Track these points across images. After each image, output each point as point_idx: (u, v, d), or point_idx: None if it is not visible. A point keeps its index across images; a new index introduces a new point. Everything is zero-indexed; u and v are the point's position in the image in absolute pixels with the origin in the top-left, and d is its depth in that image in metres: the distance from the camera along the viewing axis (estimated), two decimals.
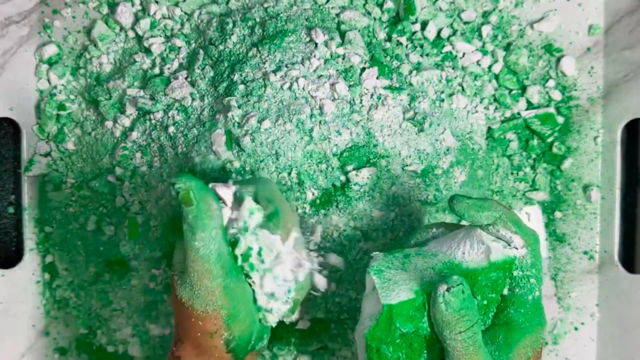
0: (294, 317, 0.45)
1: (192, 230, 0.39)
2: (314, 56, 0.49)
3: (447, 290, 0.36)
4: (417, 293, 0.38)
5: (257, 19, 0.51)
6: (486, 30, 0.53)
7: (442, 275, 0.38)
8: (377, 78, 0.49)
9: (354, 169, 0.48)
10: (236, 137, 0.47)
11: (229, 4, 0.53)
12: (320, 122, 0.47)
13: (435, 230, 0.43)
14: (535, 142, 0.54)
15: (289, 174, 0.47)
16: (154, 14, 0.53)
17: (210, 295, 0.39)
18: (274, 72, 0.48)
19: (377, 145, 0.48)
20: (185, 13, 0.54)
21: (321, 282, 0.45)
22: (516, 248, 0.39)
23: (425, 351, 0.39)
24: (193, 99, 0.50)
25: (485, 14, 0.54)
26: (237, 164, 0.48)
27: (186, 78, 0.51)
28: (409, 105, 0.50)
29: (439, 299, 0.36)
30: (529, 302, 0.39)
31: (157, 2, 0.53)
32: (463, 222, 0.45)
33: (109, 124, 0.53)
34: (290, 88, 0.48)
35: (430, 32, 0.52)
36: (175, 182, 0.39)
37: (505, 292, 0.40)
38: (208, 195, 0.40)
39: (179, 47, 0.53)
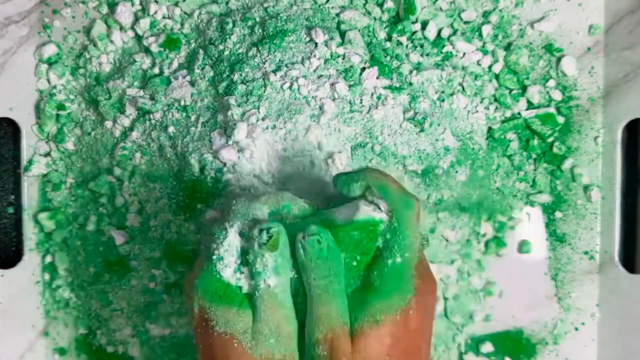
0: None
1: (270, 277, 0.39)
2: (314, 56, 0.49)
3: (303, 238, 0.38)
4: None
5: (257, 19, 0.51)
6: (486, 30, 0.53)
7: (305, 225, 0.40)
8: (377, 78, 0.49)
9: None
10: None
11: (229, 4, 0.53)
12: (320, 122, 0.47)
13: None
14: (535, 142, 0.54)
15: None
16: (154, 13, 0.53)
17: (288, 339, 0.39)
18: (274, 72, 0.48)
19: (377, 145, 0.48)
20: (185, 13, 0.54)
21: None
22: (381, 215, 0.40)
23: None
24: (193, 99, 0.50)
25: (486, 14, 0.54)
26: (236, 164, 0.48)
27: (186, 78, 0.51)
28: (409, 105, 0.49)
29: (297, 245, 0.38)
30: (387, 267, 0.39)
31: (157, 2, 0.53)
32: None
33: (108, 124, 0.53)
34: (290, 88, 0.48)
35: (431, 32, 0.52)
36: (270, 226, 0.39)
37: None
38: (287, 241, 0.40)
39: (179, 47, 0.53)
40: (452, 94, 0.52)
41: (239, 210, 0.41)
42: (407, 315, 0.38)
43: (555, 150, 0.54)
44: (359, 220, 0.40)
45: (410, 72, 0.51)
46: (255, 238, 0.39)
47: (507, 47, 0.53)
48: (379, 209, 0.40)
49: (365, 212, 0.40)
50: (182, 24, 0.54)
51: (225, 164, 0.48)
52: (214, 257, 0.40)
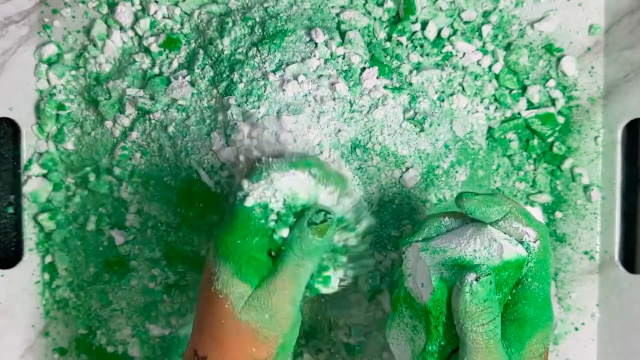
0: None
1: (304, 258, 0.38)
2: (314, 56, 0.49)
3: (476, 279, 0.35)
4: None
5: (257, 19, 0.51)
6: (486, 30, 0.53)
7: (471, 265, 0.37)
8: (377, 78, 0.49)
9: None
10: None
11: (229, 4, 0.53)
12: (320, 122, 0.47)
13: (447, 220, 0.41)
14: (535, 142, 0.54)
15: None
16: (154, 13, 0.53)
17: (283, 320, 0.39)
18: (274, 71, 0.48)
19: (377, 145, 0.48)
20: (185, 13, 0.54)
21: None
22: (529, 242, 0.39)
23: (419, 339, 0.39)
24: (193, 99, 0.50)
25: (486, 14, 0.53)
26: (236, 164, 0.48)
27: (186, 78, 0.51)
28: (409, 105, 0.49)
29: (465, 289, 0.35)
30: (540, 297, 0.38)
31: (157, 2, 0.53)
32: None
33: (108, 124, 0.53)
34: (290, 88, 0.48)
35: (431, 32, 0.52)
36: (329, 211, 0.39)
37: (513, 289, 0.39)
38: (332, 236, 0.40)
39: (179, 47, 0.53)
40: (452, 94, 0.52)
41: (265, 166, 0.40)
42: (550, 340, 0.38)
43: (555, 150, 0.54)
44: (510, 260, 0.38)
45: (410, 72, 0.51)
46: (310, 215, 0.39)
47: (507, 47, 0.53)
48: (519, 240, 0.39)
49: (512, 249, 0.38)
50: (182, 24, 0.54)
51: (225, 164, 0.48)
52: (254, 202, 0.39)
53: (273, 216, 0.40)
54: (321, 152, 0.47)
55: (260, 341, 0.39)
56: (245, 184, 0.40)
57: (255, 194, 0.40)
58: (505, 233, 0.39)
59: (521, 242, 0.39)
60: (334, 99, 0.48)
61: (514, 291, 0.39)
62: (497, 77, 0.53)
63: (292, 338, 0.41)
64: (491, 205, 0.38)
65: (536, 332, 0.37)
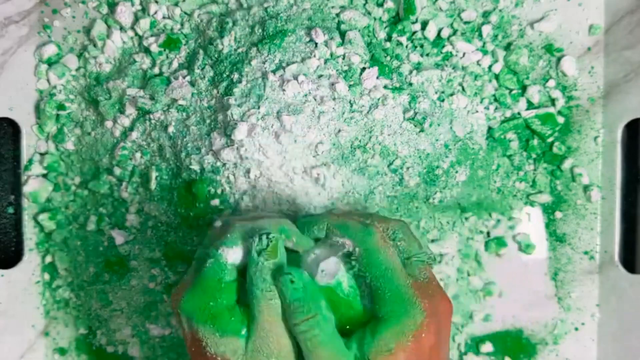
0: None
1: (271, 288, 0.38)
2: (314, 56, 0.48)
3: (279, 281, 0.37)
4: None
5: (257, 19, 0.51)
6: (486, 30, 0.53)
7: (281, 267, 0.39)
8: (377, 78, 0.49)
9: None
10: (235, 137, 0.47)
11: (229, 4, 0.53)
12: (320, 122, 0.47)
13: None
14: (535, 142, 0.54)
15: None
16: (154, 13, 0.53)
17: (289, 354, 0.39)
18: (274, 71, 0.48)
19: (377, 145, 0.48)
20: (185, 13, 0.54)
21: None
22: (350, 251, 0.40)
23: None
24: (193, 99, 0.50)
25: (486, 14, 0.53)
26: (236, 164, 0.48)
27: (186, 78, 0.51)
28: (409, 105, 0.49)
29: (280, 286, 0.38)
30: (387, 295, 0.38)
31: (157, 2, 0.53)
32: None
33: (108, 124, 0.53)
34: (290, 88, 0.48)
35: (430, 32, 0.52)
36: (268, 232, 0.39)
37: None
38: (285, 253, 0.40)
39: (179, 47, 0.53)
40: (452, 94, 0.52)
41: (238, 228, 0.41)
42: (419, 338, 0.38)
43: (555, 150, 0.54)
44: (337, 283, 0.40)
45: (410, 72, 0.51)
46: (255, 244, 0.38)
47: (507, 47, 0.53)
48: (344, 248, 0.40)
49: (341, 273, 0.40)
50: (182, 24, 0.54)
51: (225, 164, 0.48)
52: (208, 271, 0.39)
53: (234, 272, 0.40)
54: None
55: None
56: (218, 248, 0.40)
57: (225, 257, 0.40)
58: (332, 247, 0.41)
59: (348, 253, 0.40)
60: (334, 99, 0.48)
61: (370, 289, 0.40)
62: (497, 77, 0.53)
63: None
64: (313, 225, 0.41)
65: (386, 328, 0.38)
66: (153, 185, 0.51)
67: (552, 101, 0.53)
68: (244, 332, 0.39)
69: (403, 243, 0.42)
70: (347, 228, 0.41)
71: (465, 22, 0.53)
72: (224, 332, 0.38)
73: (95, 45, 0.54)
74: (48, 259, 0.55)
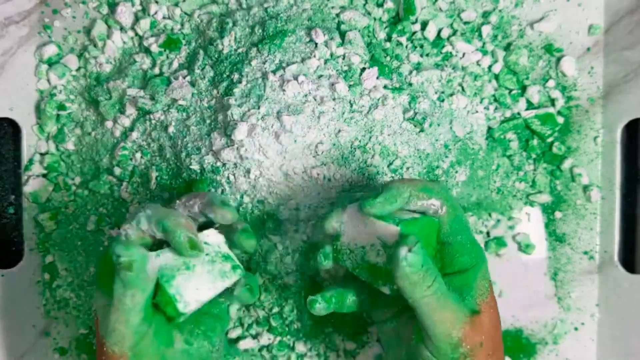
0: None
1: (125, 288, 0.39)
2: (314, 56, 0.49)
3: (409, 250, 0.37)
4: None
5: (257, 19, 0.51)
6: (486, 30, 0.53)
7: (400, 237, 0.39)
8: (377, 78, 0.49)
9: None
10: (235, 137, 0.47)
11: (229, 4, 0.53)
12: (320, 122, 0.47)
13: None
14: (535, 142, 0.54)
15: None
16: (154, 14, 0.53)
17: (121, 339, 0.41)
18: (274, 72, 0.48)
19: (377, 145, 0.48)
20: (185, 13, 0.54)
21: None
22: (437, 210, 0.42)
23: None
24: (193, 99, 0.51)
25: (485, 14, 0.54)
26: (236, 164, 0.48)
27: (186, 78, 0.51)
28: (409, 105, 0.49)
29: (402, 263, 0.37)
30: (467, 245, 0.42)
31: (157, 2, 0.53)
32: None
33: (109, 124, 0.53)
34: (290, 88, 0.48)
35: (430, 32, 0.52)
36: (116, 252, 0.39)
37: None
38: (146, 266, 0.40)
39: (179, 47, 0.53)
40: (452, 94, 0.52)
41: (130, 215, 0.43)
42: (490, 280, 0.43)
43: (554, 150, 0.54)
44: (421, 218, 0.41)
45: (410, 72, 0.51)
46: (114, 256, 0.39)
47: (507, 47, 0.53)
48: (427, 213, 0.42)
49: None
50: (182, 24, 0.54)
51: (225, 164, 0.48)
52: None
53: None
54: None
55: (108, 353, 0.41)
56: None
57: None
58: (415, 212, 0.42)
59: (434, 213, 0.42)
60: (334, 99, 0.48)
61: (446, 250, 0.42)
62: (496, 77, 0.53)
63: (146, 349, 0.42)
64: (393, 201, 0.41)
65: (477, 272, 0.41)
66: (153, 185, 0.51)
67: (552, 101, 0.54)
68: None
69: None
70: (431, 190, 0.42)
71: (465, 23, 0.53)
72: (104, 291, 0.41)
73: (95, 46, 0.54)
74: (48, 259, 0.55)
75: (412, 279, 0.37)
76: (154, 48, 0.53)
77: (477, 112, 0.52)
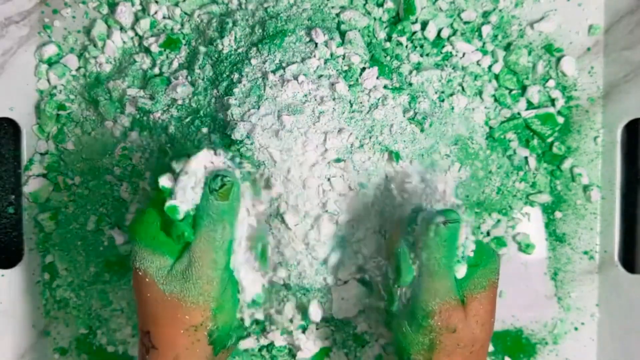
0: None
1: (216, 222, 0.40)
2: (314, 56, 0.49)
3: (444, 222, 0.40)
4: None
5: (257, 19, 0.51)
6: (486, 30, 0.53)
7: (441, 210, 0.42)
8: (377, 78, 0.49)
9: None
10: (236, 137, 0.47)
11: (229, 4, 0.53)
12: (320, 122, 0.47)
13: None
14: (535, 142, 0.54)
15: None
16: (154, 14, 0.53)
17: (207, 285, 0.41)
18: (274, 71, 0.48)
19: (377, 145, 0.48)
20: (185, 13, 0.54)
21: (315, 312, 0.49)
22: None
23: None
24: (193, 99, 0.50)
25: (485, 14, 0.54)
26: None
27: (186, 78, 0.51)
28: (409, 105, 0.49)
29: (431, 226, 0.40)
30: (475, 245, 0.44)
31: (157, 2, 0.53)
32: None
33: (109, 124, 0.53)
34: (290, 88, 0.48)
35: (430, 32, 0.52)
36: (225, 175, 0.40)
37: None
38: (239, 196, 0.42)
39: (179, 47, 0.53)
40: (452, 94, 0.52)
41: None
42: (497, 281, 0.44)
43: (554, 150, 0.54)
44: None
45: (410, 72, 0.51)
46: (209, 183, 0.40)
47: (507, 47, 0.53)
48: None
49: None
50: (182, 24, 0.54)
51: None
52: (168, 193, 0.41)
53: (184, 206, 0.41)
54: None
55: (189, 308, 0.41)
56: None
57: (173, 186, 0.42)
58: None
59: None
60: (334, 99, 0.48)
61: None
62: (497, 77, 0.53)
63: (227, 299, 0.43)
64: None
65: (476, 271, 0.43)
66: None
67: (552, 101, 0.54)
68: (170, 256, 0.41)
69: None
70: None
71: (465, 22, 0.53)
72: (155, 249, 0.41)
73: (95, 45, 0.54)
74: (48, 258, 0.55)
75: (429, 242, 0.41)
76: (154, 48, 0.53)
77: (477, 112, 0.52)
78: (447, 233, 0.40)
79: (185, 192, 0.41)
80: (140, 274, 0.41)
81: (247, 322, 0.50)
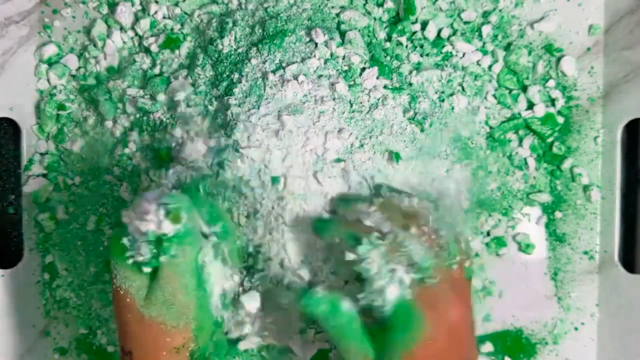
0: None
1: (176, 247, 0.40)
2: (314, 56, 0.49)
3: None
4: None
5: (257, 19, 0.51)
6: (486, 30, 0.53)
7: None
8: (377, 78, 0.49)
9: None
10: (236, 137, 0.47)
11: (229, 4, 0.53)
12: (320, 122, 0.47)
13: None
14: (535, 142, 0.54)
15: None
16: (154, 13, 0.53)
17: (184, 309, 0.41)
18: (274, 71, 0.48)
19: (377, 145, 0.48)
20: (186, 13, 0.54)
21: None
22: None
23: None
24: (193, 99, 0.50)
25: (485, 14, 0.54)
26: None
27: (186, 78, 0.51)
28: (409, 105, 0.50)
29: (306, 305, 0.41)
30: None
31: (157, 2, 0.53)
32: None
33: (109, 124, 0.53)
34: (290, 88, 0.48)
35: (430, 32, 0.52)
36: (167, 203, 0.40)
37: None
38: (195, 215, 0.41)
39: (179, 47, 0.53)
40: (452, 94, 0.52)
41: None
42: (425, 346, 0.39)
43: (555, 150, 0.54)
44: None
45: (410, 72, 0.51)
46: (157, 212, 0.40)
47: (507, 47, 0.53)
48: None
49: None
50: (182, 24, 0.54)
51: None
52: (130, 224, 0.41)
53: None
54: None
55: (170, 332, 0.41)
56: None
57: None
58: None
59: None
60: (334, 99, 0.48)
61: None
62: (497, 77, 0.53)
63: (206, 317, 0.43)
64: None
65: (395, 337, 0.40)
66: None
67: (552, 101, 0.54)
68: (148, 270, 0.41)
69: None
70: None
71: (465, 22, 0.53)
72: (133, 266, 0.41)
73: (95, 45, 0.54)
74: (48, 258, 0.55)
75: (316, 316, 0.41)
76: (154, 48, 0.53)
77: (477, 112, 0.52)
78: (309, 312, 0.41)
79: (140, 247, 0.41)
80: (121, 292, 0.42)
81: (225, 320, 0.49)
